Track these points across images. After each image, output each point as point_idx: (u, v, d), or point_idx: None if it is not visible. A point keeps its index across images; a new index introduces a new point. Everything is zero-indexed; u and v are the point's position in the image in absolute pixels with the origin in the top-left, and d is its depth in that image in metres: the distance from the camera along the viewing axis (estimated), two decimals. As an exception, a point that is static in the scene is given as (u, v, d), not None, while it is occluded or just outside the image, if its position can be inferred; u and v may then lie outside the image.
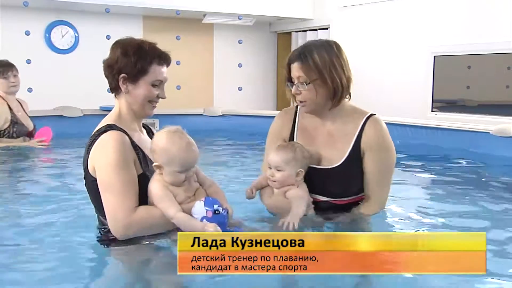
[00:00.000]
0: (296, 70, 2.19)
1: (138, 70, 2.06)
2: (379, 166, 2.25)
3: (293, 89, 2.22)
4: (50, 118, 6.47)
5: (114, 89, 2.13)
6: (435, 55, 6.40)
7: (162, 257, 1.94)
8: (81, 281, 1.87)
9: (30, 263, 1.99)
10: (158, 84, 2.11)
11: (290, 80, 2.25)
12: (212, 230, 1.83)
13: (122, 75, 2.07)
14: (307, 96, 2.20)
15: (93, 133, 2.07)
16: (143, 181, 2.01)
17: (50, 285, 1.84)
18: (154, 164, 2.00)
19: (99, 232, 2.10)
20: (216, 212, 1.90)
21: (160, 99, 2.16)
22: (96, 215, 2.14)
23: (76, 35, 7.26)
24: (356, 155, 2.25)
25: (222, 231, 1.85)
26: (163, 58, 2.12)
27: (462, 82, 6.47)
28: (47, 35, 7.10)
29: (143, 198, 2.00)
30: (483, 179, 3.90)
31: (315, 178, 2.27)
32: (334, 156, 2.26)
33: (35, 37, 7.02)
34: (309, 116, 2.34)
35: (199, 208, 1.92)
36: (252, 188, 2.32)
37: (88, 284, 1.87)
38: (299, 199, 2.17)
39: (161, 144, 1.99)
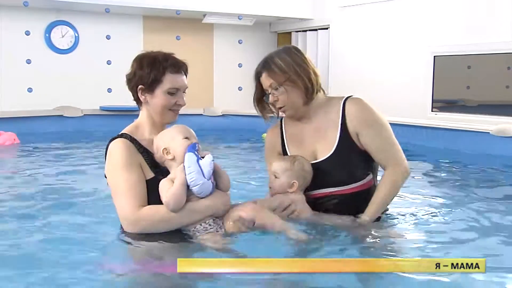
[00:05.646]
0: (265, 80, 2.30)
1: (152, 80, 2.16)
2: (379, 137, 2.28)
3: (270, 98, 2.31)
4: (50, 118, 6.49)
5: (137, 100, 2.26)
6: (435, 55, 6.40)
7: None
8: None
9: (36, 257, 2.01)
10: (175, 92, 2.20)
11: (264, 93, 2.34)
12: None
13: (139, 86, 2.19)
14: (284, 99, 2.28)
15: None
16: (155, 184, 2.07)
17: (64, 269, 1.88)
18: (162, 148, 2.07)
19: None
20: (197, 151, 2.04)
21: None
22: None
23: (76, 35, 7.26)
24: (347, 139, 2.28)
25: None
26: (177, 66, 2.21)
27: (462, 82, 6.47)
28: (47, 35, 7.10)
29: (156, 201, 2.05)
30: (483, 179, 3.90)
31: (316, 173, 2.31)
32: (326, 146, 2.31)
33: (35, 37, 7.03)
34: (292, 123, 2.42)
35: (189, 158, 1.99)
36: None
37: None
38: (277, 200, 2.24)
39: (158, 136, 2.13)
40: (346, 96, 2.35)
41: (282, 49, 2.36)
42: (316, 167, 2.30)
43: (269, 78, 2.27)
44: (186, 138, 2.07)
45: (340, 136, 2.29)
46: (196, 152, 2.02)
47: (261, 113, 2.42)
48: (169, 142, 2.07)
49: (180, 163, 2.03)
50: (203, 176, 1.99)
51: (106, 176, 2.16)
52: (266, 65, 2.30)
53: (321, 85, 2.36)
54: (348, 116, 2.29)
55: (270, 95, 2.30)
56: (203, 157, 2.02)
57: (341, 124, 2.29)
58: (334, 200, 2.30)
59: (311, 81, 2.28)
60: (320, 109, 2.35)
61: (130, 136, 2.16)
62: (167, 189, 2.00)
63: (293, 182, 2.24)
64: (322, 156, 2.31)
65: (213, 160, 2.03)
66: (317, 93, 2.33)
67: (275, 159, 2.34)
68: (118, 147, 2.11)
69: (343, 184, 2.29)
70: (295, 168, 2.25)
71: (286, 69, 2.25)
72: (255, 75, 2.35)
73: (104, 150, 2.19)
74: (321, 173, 2.30)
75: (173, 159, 2.06)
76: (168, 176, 2.06)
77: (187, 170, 1.98)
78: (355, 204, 2.29)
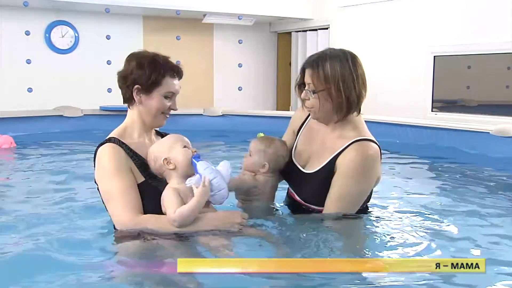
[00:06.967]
0: (307, 76, 2.23)
1: (152, 82, 2.14)
2: (340, 189, 2.21)
3: (303, 94, 2.26)
4: (50, 118, 6.48)
5: (128, 99, 2.21)
6: (435, 55, 6.40)
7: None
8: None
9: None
10: (171, 96, 2.20)
11: (303, 83, 2.28)
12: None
13: (136, 86, 2.15)
14: (314, 104, 2.23)
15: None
16: (146, 188, 2.07)
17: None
18: (163, 159, 2.05)
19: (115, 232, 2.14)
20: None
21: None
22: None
23: (76, 35, 7.26)
24: (329, 171, 2.23)
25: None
26: (176, 71, 2.20)
27: (462, 82, 6.47)
28: (47, 35, 7.10)
29: (149, 205, 2.04)
30: (482, 179, 3.90)
31: (296, 178, 2.35)
32: (314, 164, 2.29)
33: (35, 37, 7.03)
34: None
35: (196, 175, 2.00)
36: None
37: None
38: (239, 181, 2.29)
39: (154, 148, 2.11)
40: (362, 137, 2.22)
41: (340, 54, 2.21)
42: (297, 173, 2.33)
43: (310, 78, 2.20)
44: (185, 146, 2.07)
45: (326, 164, 2.24)
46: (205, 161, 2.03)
47: (299, 98, 2.34)
48: (169, 151, 2.06)
49: (182, 171, 2.03)
50: (224, 181, 2.02)
51: (97, 182, 2.13)
52: (314, 64, 2.20)
53: (360, 107, 2.26)
54: (343, 155, 2.21)
55: (304, 91, 2.25)
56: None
57: (335, 156, 2.22)
58: (303, 209, 2.33)
59: (348, 102, 2.18)
60: (341, 129, 2.27)
61: (119, 140, 2.12)
62: (175, 202, 1.96)
63: (264, 164, 2.30)
64: (308, 169, 2.31)
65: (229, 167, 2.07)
66: (350, 114, 2.24)
67: (255, 138, 2.39)
68: (107, 153, 2.08)
69: (310, 202, 2.30)
70: (269, 150, 2.31)
71: (329, 80, 2.16)
72: (303, 64, 2.27)
73: (93, 156, 2.15)
74: (298, 181, 2.34)
75: (175, 168, 2.05)
76: (170, 185, 2.04)
77: (210, 176, 1.98)
78: None
